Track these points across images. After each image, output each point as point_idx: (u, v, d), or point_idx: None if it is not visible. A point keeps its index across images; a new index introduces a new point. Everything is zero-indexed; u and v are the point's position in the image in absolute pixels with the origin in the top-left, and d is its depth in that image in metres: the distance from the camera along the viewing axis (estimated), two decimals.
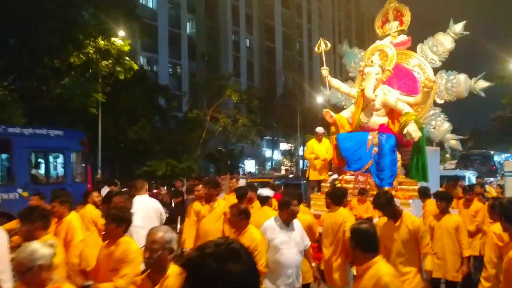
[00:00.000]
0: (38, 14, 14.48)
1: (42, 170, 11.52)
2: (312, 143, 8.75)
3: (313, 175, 8.64)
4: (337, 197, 4.94)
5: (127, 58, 16.41)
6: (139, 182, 5.67)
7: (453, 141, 7.37)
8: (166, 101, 25.00)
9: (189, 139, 22.94)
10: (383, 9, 8.15)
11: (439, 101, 7.37)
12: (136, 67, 17.18)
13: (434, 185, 7.04)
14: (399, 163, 6.70)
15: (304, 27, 48.64)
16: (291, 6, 47.31)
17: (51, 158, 11.70)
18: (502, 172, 17.93)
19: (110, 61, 15.71)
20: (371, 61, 7.09)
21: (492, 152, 24.78)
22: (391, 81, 7.43)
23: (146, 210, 5.18)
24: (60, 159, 11.37)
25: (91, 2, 16.11)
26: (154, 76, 28.75)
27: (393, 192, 6.13)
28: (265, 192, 5.23)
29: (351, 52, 8.99)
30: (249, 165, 36.17)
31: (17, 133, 10.07)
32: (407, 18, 7.78)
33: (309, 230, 4.72)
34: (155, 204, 5.56)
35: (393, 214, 4.07)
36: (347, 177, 7.22)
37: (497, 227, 3.96)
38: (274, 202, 6.08)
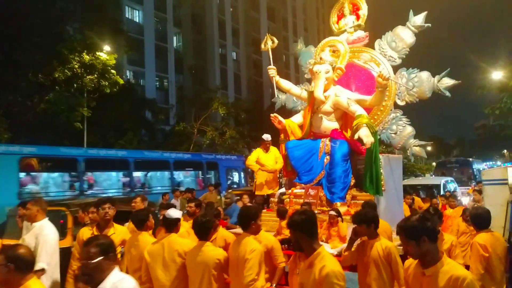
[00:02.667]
0: (22, 29, 14.41)
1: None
2: (258, 152, 7.63)
3: (259, 189, 7.46)
4: (243, 219, 3.75)
5: (112, 72, 16.37)
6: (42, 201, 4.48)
7: (416, 148, 6.54)
8: (153, 114, 24.92)
9: None
10: (338, 3, 7.40)
11: (400, 103, 6.59)
12: (121, 81, 17.16)
13: (397, 198, 6.33)
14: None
15: (290, 40, 49.13)
16: (276, 20, 47.91)
17: (232, 172, 18.27)
18: (474, 183, 17.19)
19: (95, 75, 15.65)
20: (320, 58, 6.37)
21: (470, 159, 23.93)
22: (348, 82, 6.78)
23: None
24: (236, 173, 18.26)
25: (76, 17, 16.10)
26: (141, 89, 28.65)
27: (345, 208, 5.56)
28: (173, 213, 3.93)
29: (306, 51, 8.00)
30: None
31: (219, 158, 17.19)
32: (363, 11, 7.05)
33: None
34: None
35: (301, 248, 2.77)
36: (297, 190, 6.28)
37: (481, 238, 3.95)
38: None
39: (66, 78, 15.11)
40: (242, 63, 42.31)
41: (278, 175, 7.76)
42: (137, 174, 13.73)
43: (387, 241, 3.71)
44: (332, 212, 5.15)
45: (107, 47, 16.59)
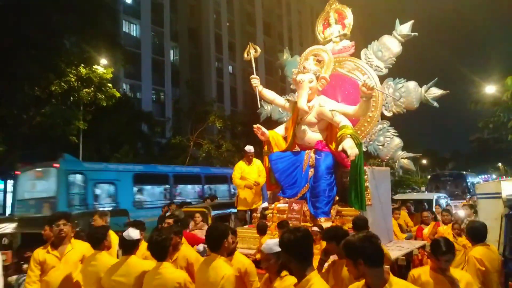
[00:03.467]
0: (19, 42, 14.46)
1: None
2: (241, 166, 7.33)
3: (241, 204, 7.12)
4: (212, 239, 3.38)
5: (109, 85, 16.41)
6: None
7: (404, 160, 6.28)
8: (149, 127, 24.91)
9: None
10: (323, 12, 7.26)
11: (387, 114, 6.41)
12: (118, 94, 17.18)
13: (385, 213, 6.02)
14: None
15: None
16: (272, 34, 48.43)
17: None
18: (469, 195, 17.02)
19: (92, 88, 15.69)
20: (304, 67, 6.15)
21: (464, 172, 23.47)
22: (334, 93, 6.55)
23: None
24: None
25: (73, 31, 16.20)
26: (137, 102, 28.72)
27: (329, 224, 5.19)
28: (133, 233, 3.55)
29: (292, 61, 7.76)
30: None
31: None
32: (349, 20, 6.88)
33: None
34: None
35: (291, 271, 2.63)
36: (281, 205, 6.00)
37: (477, 252, 3.96)
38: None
39: (62, 91, 15.13)
40: (239, 76, 42.58)
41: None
42: (206, 186, 16.64)
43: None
44: (315, 228, 4.85)
45: (104, 61, 16.68)
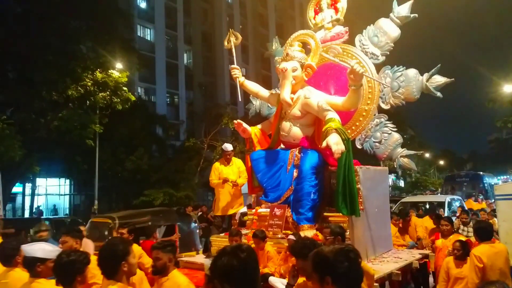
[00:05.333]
0: (36, 48, 14.79)
1: None
2: (218, 167, 6.41)
3: (219, 209, 6.28)
4: (106, 263, 2.46)
5: (124, 89, 16.65)
6: None
7: (404, 159, 5.48)
8: (163, 130, 25.16)
9: (187, 168, 22.92)
10: None
11: (385, 107, 5.63)
12: (133, 98, 17.42)
13: (382, 219, 5.37)
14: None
15: None
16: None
17: None
18: (481, 196, 16.26)
19: (108, 92, 15.94)
20: (287, 54, 5.50)
21: (481, 173, 22.83)
22: (327, 84, 5.87)
23: None
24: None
25: (89, 36, 16.50)
26: (152, 106, 29.09)
27: (313, 232, 4.64)
28: (38, 250, 2.82)
29: (282, 50, 6.79)
30: None
31: None
32: (342, 4, 6.17)
33: None
34: None
35: None
36: (262, 210, 5.36)
37: (477, 249, 4.15)
38: None
39: (79, 96, 15.42)
40: (252, 78, 41.93)
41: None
42: None
43: None
44: (292, 237, 4.17)
45: (119, 65, 16.94)
